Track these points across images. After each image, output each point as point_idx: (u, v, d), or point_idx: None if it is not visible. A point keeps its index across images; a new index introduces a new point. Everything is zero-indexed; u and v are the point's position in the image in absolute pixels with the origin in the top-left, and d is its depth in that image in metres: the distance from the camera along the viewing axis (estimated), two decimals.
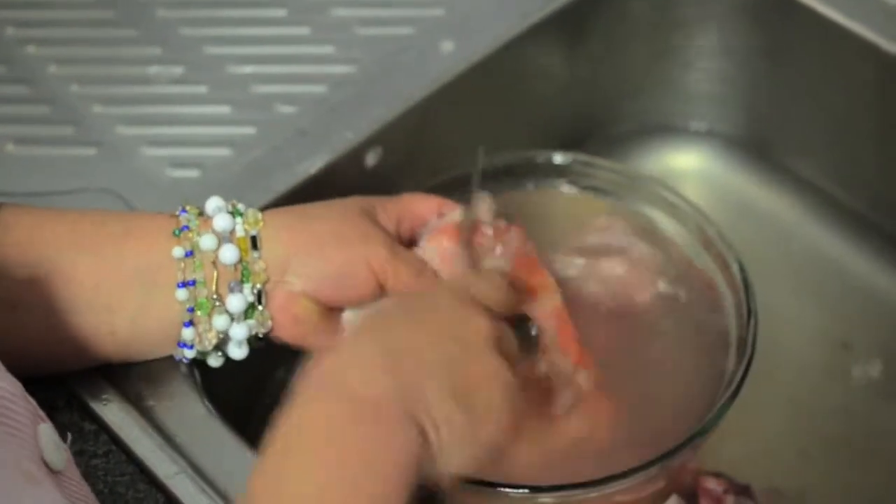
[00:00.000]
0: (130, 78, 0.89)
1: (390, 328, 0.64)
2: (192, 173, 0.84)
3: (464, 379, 0.62)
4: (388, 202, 0.74)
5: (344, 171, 0.83)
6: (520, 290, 0.72)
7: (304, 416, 0.60)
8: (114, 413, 0.70)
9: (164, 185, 0.83)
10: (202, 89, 0.89)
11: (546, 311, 0.74)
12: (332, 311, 0.72)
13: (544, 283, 0.74)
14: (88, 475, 0.66)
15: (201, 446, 0.69)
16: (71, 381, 0.71)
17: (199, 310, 0.68)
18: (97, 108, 0.88)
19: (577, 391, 0.73)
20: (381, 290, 0.71)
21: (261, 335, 0.71)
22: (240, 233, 0.69)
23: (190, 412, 0.71)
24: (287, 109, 0.87)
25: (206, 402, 0.72)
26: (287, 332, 0.71)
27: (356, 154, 0.84)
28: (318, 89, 0.88)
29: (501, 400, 0.63)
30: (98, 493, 0.66)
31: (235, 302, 0.69)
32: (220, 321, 0.69)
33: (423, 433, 0.60)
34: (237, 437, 0.70)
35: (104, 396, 0.71)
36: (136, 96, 0.88)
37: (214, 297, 0.68)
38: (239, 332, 0.70)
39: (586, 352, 0.74)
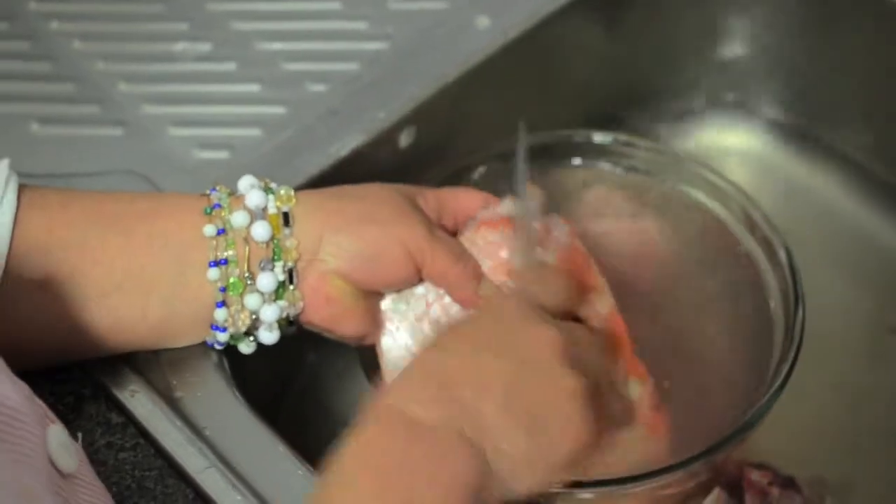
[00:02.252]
0: (157, 55, 0.88)
1: (451, 352, 0.63)
2: (221, 154, 0.83)
3: (529, 399, 0.61)
4: (429, 192, 0.72)
5: (376, 152, 0.82)
6: (577, 290, 0.70)
7: (362, 445, 0.59)
8: (142, 405, 0.70)
9: (192, 167, 0.82)
10: (230, 67, 0.88)
11: (601, 315, 0.71)
12: (366, 295, 0.70)
13: (596, 283, 0.72)
14: (116, 469, 0.67)
15: (232, 439, 0.69)
16: (97, 371, 0.70)
17: (232, 290, 0.67)
18: (123, 87, 0.87)
19: (630, 406, 0.70)
20: (417, 274, 0.70)
21: (292, 317, 0.70)
22: (272, 210, 0.68)
23: (220, 404, 0.70)
24: (318, 88, 0.86)
25: (237, 393, 0.71)
26: (318, 315, 0.70)
27: (389, 134, 0.83)
28: (350, 67, 0.87)
29: (574, 415, 0.62)
30: (125, 488, 0.66)
31: (266, 280, 0.68)
32: (251, 301, 0.68)
33: (483, 458, 0.59)
34: (269, 429, 0.69)
35: (132, 388, 0.70)
36: (163, 74, 0.87)
37: (246, 275, 0.67)
38: (270, 312, 0.68)
39: (641, 362, 0.72)
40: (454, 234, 0.72)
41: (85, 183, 0.79)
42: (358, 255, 0.68)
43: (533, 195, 0.72)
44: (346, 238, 0.68)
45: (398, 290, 0.71)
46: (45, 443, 0.54)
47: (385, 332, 0.71)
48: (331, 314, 0.70)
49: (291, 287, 0.68)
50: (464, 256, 0.70)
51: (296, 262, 0.68)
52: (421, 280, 0.70)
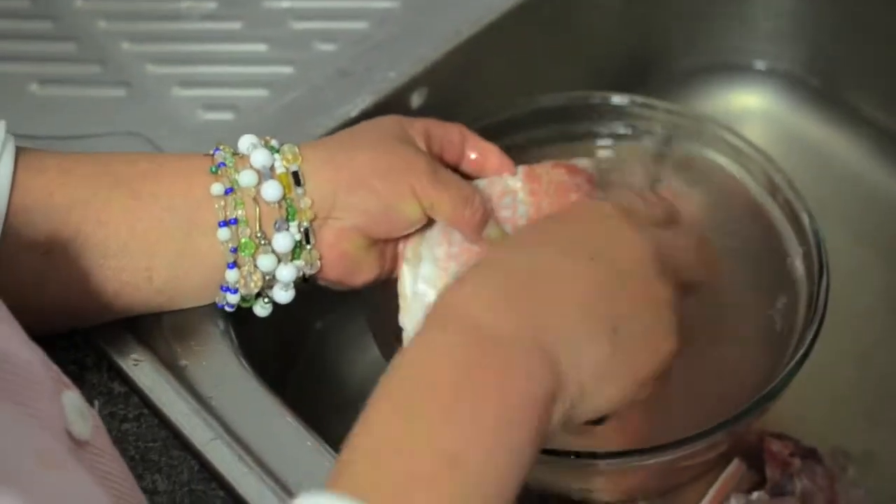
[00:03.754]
0: (160, 13, 0.87)
1: (522, 253, 0.61)
2: (226, 116, 0.82)
3: (615, 305, 0.59)
4: (416, 121, 0.72)
5: (387, 114, 0.78)
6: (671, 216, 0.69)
7: (424, 354, 0.57)
8: (145, 374, 0.69)
9: (196, 129, 0.81)
10: (236, 25, 0.87)
11: None
12: (378, 244, 0.70)
13: None
14: (119, 440, 0.66)
15: (238, 410, 0.68)
16: (99, 340, 0.70)
17: (243, 251, 0.67)
18: (125, 46, 0.86)
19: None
20: (426, 217, 0.70)
21: (308, 276, 0.69)
22: (280, 169, 0.67)
23: (226, 373, 0.69)
24: (326, 47, 0.85)
25: (243, 362, 0.70)
26: (334, 271, 0.69)
27: (400, 95, 0.82)
28: (360, 26, 0.86)
29: (662, 324, 0.60)
30: (129, 460, 0.66)
31: (282, 241, 0.67)
32: (265, 262, 0.67)
33: (557, 366, 0.56)
34: (276, 399, 0.68)
35: (135, 356, 0.69)
36: (167, 33, 0.86)
37: (259, 235, 0.66)
38: (286, 273, 0.68)
39: None
40: (440, 159, 0.72)
41: (86, 145, 0.79)
42: (373, 209, 0.68)
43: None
44: (361, 194, 0.68)
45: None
46: (61, 406, 0.53)
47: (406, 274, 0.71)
48: (346, 268, 0.69)
49: (308, 247, 0.68)
50: (471, 200, 0.69)
51: (311, 221, 0.67)
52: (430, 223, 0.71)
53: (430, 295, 0.70)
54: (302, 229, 0.67)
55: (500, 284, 0.59)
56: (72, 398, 0.54)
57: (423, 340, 0.57)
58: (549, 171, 0.72)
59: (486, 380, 0.55)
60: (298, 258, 0.68)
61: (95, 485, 0.50)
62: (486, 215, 0.70)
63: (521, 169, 0.73)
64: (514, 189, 0.72)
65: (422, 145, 0.71)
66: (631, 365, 0.60)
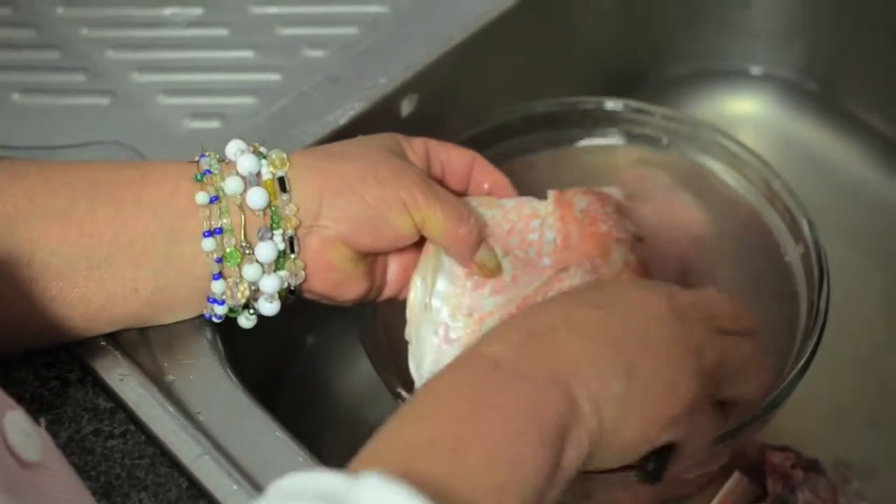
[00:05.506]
0: (145, 20, 0.87)
1: (548, 303, 0.62)
2: (213, 124, 0.81)
3: (631, 347, 0.59)
4: (415, 140, 0.71)
5: (377, 121, 0.79)
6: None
7: (441, 384, 0.57)
8: (131, 389, 0.68)
9: (183, 137, 0.81)
10: (223, 32, 0.87)
11: None
12: (367, 260, 0.69)
13: None
14: (104, 458, 0.66)
15: (227, 425, 0.67)
16: (84, 355, 0.69)
17: (228, 261, 0.66)
18: (109, 54, 0.86)
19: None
20: (418, 233, 0.69)
21: (293, 287, 0.68)
22: (266, 175, 0.67)
23: (214, 387, 0.69)
24: (315, 53, 0.85)
25: (232, 376, 0.70)
26: (321, 283, 0.69)
27: (390, 102, 0.82)
28: (349, 31, 0.86)
29: (684, 371, 0.60)
30: (115, 478, 0.65)
31: (266, 250, 0.66)
32: (250, 271, 0.66)
33: (573, 399, 0.56)
34: (266, 414, 0.68)
35: (120, 371, 0.69)
36: (152, 40, 0.86)
37: (244, 244, 0.66)
38: (270, 284, 0.67)
39: None
40: (441, 181, 0.71)
41: (70, 155, 0.79)
42: (359, 218, 0.67)
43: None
44: (346, 201, 0.67)
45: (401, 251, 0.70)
46: (4, 434, 0.52)
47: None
48: (332, 281, 0.69)
49: (293, 256, 0.67)
50: (466, 218, 0.69)
51: (296, 229, 0.67)
52: (422, 239, 0.70)
53: (444, 312, 0.69)
54: (286, 238, 0.67)
55: (520, 328, 0.59)
56: (15, 420, 0.53)
57: (442, 373, 0.57)
58: (580, 198, 0.72)
59: (494, 390, 0.55)
60: (283, 268, 0.67)
61: None
62: (480, 236, 0.69)
63: (552, 194, 0.72)
64: (543, 214, 0.71)
65: (418, 164, 0.70)
66: (650, 402, 0.59)
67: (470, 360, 0.58)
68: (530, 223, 0.71)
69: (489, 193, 0.72)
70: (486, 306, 0.69)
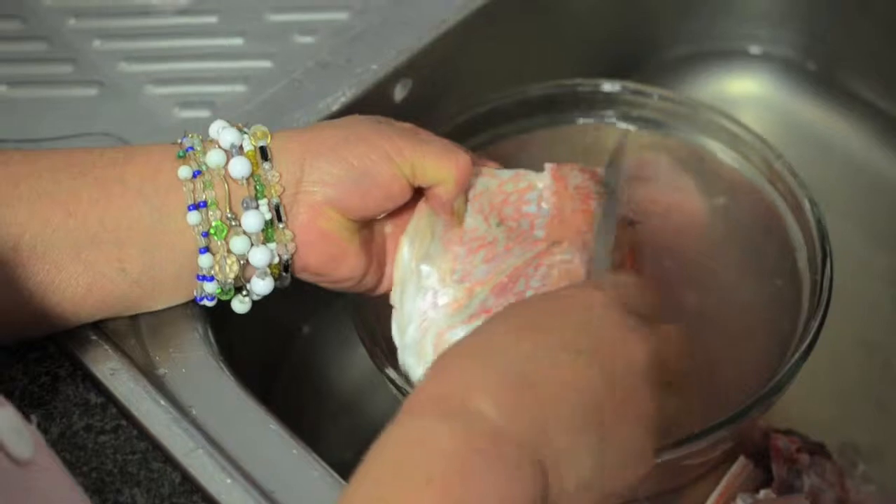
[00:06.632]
0: (132, 9, 0.87)
1: (524, 343, 0.58)
2: (203, 113, 0.81)
3: (602, 416, 0.57)
4: (403, 148, 0.69)
5: (369, 107, 0.78)
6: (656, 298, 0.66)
7: (415, 440, 0.54)
8: (122, 383, 0.67)
9: (172, 127, 0.80)
10: (211, 19, 0.86)
11: None
12: (360, 228, 0.69)
13: None
14: (96, 453, 0.66)
15: (220, 418, 0.67)
16: (74, 348, 0.68)
17: (215, 234, 0.66)
18: (97, 44, 0.85)
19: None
20: (409, 189, 0.68)
21: (284, 260, 0.68)
22: (248, 147, 0.67)
23: (207, 380, 0.68)
24: (305, 39, 0.85)
25: (225, 369, 0.69)
26: (313, 255, 0.68)
27: (382, 88, 0.81)
28: (340, 16, 0.85)
29: (647, 446, 0.59)
30: (107, 474, 0.65)
31: (252, 220, 0.66)
32: (238, 244, 0.66)
33: (545, 475, 0.55)
34: (260, 407, 0.67)
35: (111, 365, 0.68)
36: (139, 29, 0.86)
37: (229, 216, 0.66)
38: (260, 257, 0.67)
39: None
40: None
41: (59, 147, 0.75)
42: (345, 178, 0.67)
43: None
44: (329, 162, 0.67)
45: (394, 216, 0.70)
46: None
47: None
48: (326, 253, 0.68)
49: (281, 226, 0.67)
50: (456, 152, 0.68)
51: (280, 196, 0.66)
52: (414, 195, 0.69)
53: (433, 277, 0.68)
54: (272, 206, 0.66)
55: (505, 376, 0.56)
56: (7, 416, 0.52)
57: (418, 427, 0.55)
58: (575, 174, 0.72)
59: (479, 471, 0.53)
60: (271, 239, 0.67)
61: None
62: (471, 170, 0.68)
63: (548, 167, 0.72)
64: (539, 186, 0.71)
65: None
66: (609, 481, 0.58)
67: (460, 416, 0.55)
68: (526, 195, 0.71)
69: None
70: (478, 274, 0.68)
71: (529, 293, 0.68)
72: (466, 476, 0.53)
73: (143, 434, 0.66)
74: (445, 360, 0.58)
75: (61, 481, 0.54)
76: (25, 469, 0.51)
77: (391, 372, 0.68)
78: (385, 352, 0.69)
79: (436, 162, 0.67)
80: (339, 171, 0.66)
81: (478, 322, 0.66)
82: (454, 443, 0.54)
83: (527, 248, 0.69)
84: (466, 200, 0.70)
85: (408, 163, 0.67)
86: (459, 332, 0.66)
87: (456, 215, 0.69)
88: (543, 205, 0.70)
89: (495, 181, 0.71)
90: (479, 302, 0.68)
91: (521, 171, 0.72)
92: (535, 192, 0.71)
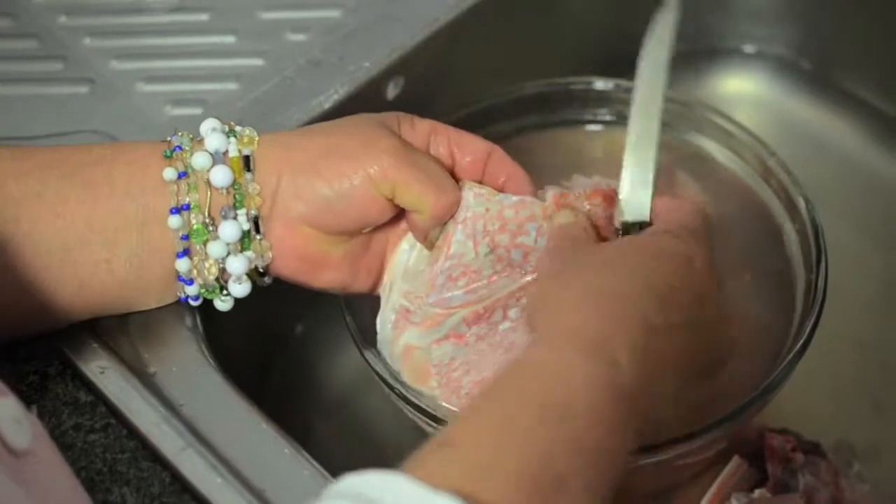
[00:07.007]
0: (124, 6, 0.87)
1: (649, 298, 0.61)
2: (194, 111, 0.81)
3: (690, 378, 0.63)
4: (419, 120, 0.69)
5: (362, 105, 0.77)
6: None
7: (552, 370, 0.56)
8: (112, 382, 0.67)
9: (164, 125, 0.80)
10: (203, 17, 0.86)
11: None
12: (342, 239, 0.68)
13: None
14: (85, 452, 0.66)
15: (211, 417, 0.67)
16: (64, 347, 0.69)
17: (195, 237, 0.66)
18: (87, 41, 0.85)
19: None
20: (391, 208, 0.67)
21: (262, 269, 0.67)
22: (233, 153, 0.66)
23: (197, 378, 0.68)
24: (297, 37, 0.84)
25: (216, 367, 0.69)
26: (289, 267, 0.68)
27: (375, 85, 0.81)
28: (332, 14, 0.85)
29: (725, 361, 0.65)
30: (96, 473, 0.65)
31: (229, 230, 0.66)
32: (215, 249, 0.66)
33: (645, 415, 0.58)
34: (251, 405, 0.67)
35: (100, 364, 0.68)
36: (131, 27, 0.86)
37: (208, 221, 0.66)
38: (237, 265, 0.67)
39: None
40: (449, 166, 0.69)
41: (48, 145, 0.74)
42: (319, 199, 0.66)
43: None
44: (305, 178, 0.66)
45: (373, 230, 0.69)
46: None
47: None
48: (302, 266, 0.68)
49: (258, 237, 0.66)
50: (442, 186, 0.67)
51: (259, 208, 0.66)
52: (397, 214, 0.68)
53: (410, 296, 0.68)
54: (250, 218, 0.66)
55: (636, 337, 0.58)
56: (7, 406, 0.52)
57: (555, 359, 0.57)
58: (583, 202, 0.70)
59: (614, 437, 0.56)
60: (248, 249, 0.66)
61: (28, 499, 0.48)
62: (454, 209, 0.67)
63: (551, 195, 0.70)
64: (540, 219, 0.69)
65: (415, 139, 0.68)
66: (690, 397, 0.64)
67: (602, 360, 0.57)
68: (526, 225, 0.68)
69: (502, 187, 0.69)
70: (454, 301, 0.67)
71: (505, 325, 0.68)
72: (606, 425, 0.55)
73: (133, 433, 0.66)
74: (577, 295, 0.60)
75: (59, 472, 0.54)
76: (22, 460, 0.51)
77: (368, 355, 0.69)
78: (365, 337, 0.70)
79: (418, 191, 0.66)
80: (314, 189, 0.65)
81: (447, 344, 0.67)
82: (598, 390, 0.56)
83: (511, 280, 0.68)
84: (456, 223, 0.68)
85: (389, 184, 0.65)
86: (428, 350, 0.67)
87: (428, 241, 0.68)
88: (541, 239, 0.68)
89: (496, 206, 0.68)
90: (451, 328, 0.67)
91: (528, 200, 0.69)
92: (535, 223, 0.68)
